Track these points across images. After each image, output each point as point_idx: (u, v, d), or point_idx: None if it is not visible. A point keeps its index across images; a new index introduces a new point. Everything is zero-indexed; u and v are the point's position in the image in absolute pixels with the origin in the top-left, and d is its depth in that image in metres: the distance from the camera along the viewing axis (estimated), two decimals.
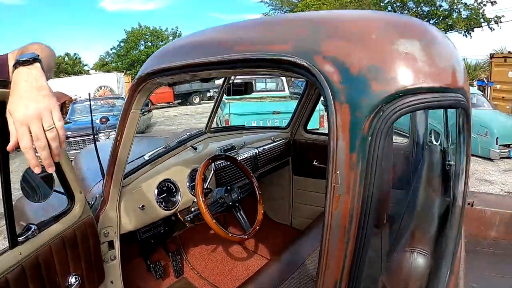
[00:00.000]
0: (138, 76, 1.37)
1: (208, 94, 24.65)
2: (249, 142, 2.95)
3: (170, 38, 40.44)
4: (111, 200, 1.71)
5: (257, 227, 2.20)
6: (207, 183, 2.24)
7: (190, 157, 2.38)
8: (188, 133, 2.55)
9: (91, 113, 1.70)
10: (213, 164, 2.28)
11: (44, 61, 1.00)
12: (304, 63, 0.77)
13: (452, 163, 1.08)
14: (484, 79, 13.22)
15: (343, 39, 0.76)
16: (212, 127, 2.86)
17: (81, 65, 40.70)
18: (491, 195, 2.80)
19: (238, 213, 2.21)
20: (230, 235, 2.05)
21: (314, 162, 2.94)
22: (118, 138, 1.54)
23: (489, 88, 12.40)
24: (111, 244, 1.75)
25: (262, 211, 2.28)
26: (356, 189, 0.71)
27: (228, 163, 2.49)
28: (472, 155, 7.67)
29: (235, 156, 2.60)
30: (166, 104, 23.27)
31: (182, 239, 2.92)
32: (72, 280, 1.43)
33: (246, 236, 2.14)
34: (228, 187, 2.18)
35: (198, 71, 1.12)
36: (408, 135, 2.50)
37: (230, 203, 2.14)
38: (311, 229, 2.60)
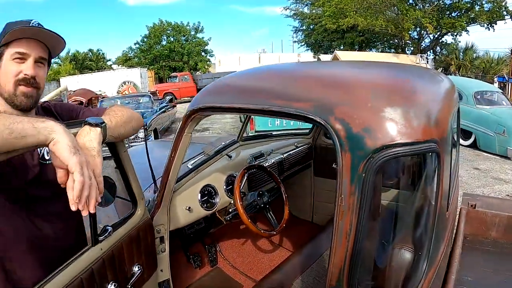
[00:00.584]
0: (191, 108, 1.67)
1: None
2: (275, 148, 3.24)
3: (192, 32, 40.23)
4: (163, 204, 1.95)
5: (284, 225, 2.50)
6: (241, 187, 2.50)
7: (225, 164, 2.69)
8: (222, 143, 2.84)
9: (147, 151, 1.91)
10: (247, 172, 2.56)
11: (115, 126, 1.30)
12: (321, 122, 1.11)
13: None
14: (505, 75, 12.91)
15: (349, 106, 1.10)
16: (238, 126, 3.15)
17: (104, 60, 40.80)
18: (493, 198, 2.97)
19: (268, 213, 2.55)
20: (262, 231, 2.38)
21: (334, 165, 3.15)
22: (172, 155, 1.79)
23: (510, 84, 12.06)
24: (162, 239, 1.98)
25: (288, 211, 2.59)
26: (354, 208, 1.06)
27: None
28: (490, 153, 7.79)
29: (264, 162, 2.92)
30: (190, 98, 22.06)
31: (216, 234, 3.19)
32: (135, 269, 1.68)
33: (275, 232, 2.47)
34: (260, 192, 2.50)
35: (239, 113, 1.48)
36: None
37: (262, 205, 2.47)
38: (330, 225, 2.87)
